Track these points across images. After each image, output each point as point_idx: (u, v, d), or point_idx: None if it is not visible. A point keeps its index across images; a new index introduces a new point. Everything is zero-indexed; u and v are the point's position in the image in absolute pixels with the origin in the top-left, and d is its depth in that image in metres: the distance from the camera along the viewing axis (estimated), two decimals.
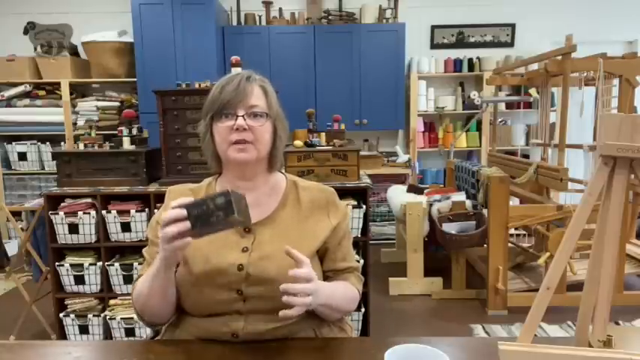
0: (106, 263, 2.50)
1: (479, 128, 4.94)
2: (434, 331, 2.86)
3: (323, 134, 2.64)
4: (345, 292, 1.16)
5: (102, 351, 1.07)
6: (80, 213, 2.44)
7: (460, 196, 3.33)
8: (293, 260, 1.07)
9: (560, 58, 2.96)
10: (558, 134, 2.93)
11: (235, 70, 1.18)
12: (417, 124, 4.87)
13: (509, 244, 3.19)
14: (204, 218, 0.92)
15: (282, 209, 1.15)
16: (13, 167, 4.57)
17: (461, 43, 5.01)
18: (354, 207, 2.38)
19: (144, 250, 1.17)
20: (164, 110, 2.39)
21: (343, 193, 2.35)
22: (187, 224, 0.92)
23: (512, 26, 4.98)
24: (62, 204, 2.48)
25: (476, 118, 4.36)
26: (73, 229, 2.46)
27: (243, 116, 1.06)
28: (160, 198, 2.38)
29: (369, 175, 2.84)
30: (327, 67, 4.65)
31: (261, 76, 1.14)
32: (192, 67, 4.27)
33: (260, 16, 4.81)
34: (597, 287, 0.83)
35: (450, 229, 3.13)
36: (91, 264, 2.51)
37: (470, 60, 4.88)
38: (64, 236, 2.48)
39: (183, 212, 0.92)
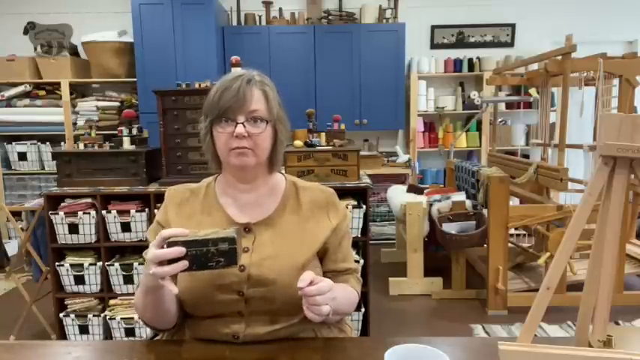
0: (106, 263, 2.50)
1: (479, 128, 4.94)
2: (434, 331, 2.86)
3: (323, 134, 2.64)
4: (347, 295, 1.16)
5: (102, 351, 1.07)
6: (80, 213, 2.44)
7: (460, 196, 3.32)
8: (294, 262, 1.07)
9: (560, 58, 2.96)
10: (558, 134, 2.93)
11: (235, 70, 1.16)
12: (417, 124, 4.87)
13: (509, 244, 3.19)
14: (203, 261, 0.87)
15: (282, 210, 1.14)
16: (13, 167, 4.57)
17: (461, 43, 5.01)
18: (354, 207, 2.38)
19: (145, 253, 1.16)
20: (164, 110, 2.39)
21: (343, 193, 2.35)
22: (185, 264, 0.87)
23: (512, 26, 4.98)
24: (62, 204, 2.48)
25: (476, 118, 4.36)
26: (73, 229, 2.46)
27: (243, 123, 1.05)
28: (160, 198, 2.37)
29: (369, 175, 2.84)
30: (327, 67, 4.65)
31: (261, 77, 1.11)
32: (192, 67, 4.27)
33: (260, 16, 4.81)
34: (597, 287, 0.83)
35: (450, 229, 3.13)
36: (91, 264, 2.51)
37: (470, 60, 4.88)
38: (64, 236, 2.48)
39: (183, 251, 0.86)
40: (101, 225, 2.48)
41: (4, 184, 4.55)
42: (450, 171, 4.04)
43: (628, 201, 3.27)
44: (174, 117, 2.39)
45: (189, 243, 0.87)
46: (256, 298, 1.06)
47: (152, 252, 0.89)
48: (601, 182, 0.80)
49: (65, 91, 4.43)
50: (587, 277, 0.85)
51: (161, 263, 0.89)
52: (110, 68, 4.46)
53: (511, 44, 5.00)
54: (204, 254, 0.87)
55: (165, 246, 0.89)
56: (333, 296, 0.97)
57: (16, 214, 2.97)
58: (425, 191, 3.71)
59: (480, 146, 4.92)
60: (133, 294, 2.49)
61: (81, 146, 2.55)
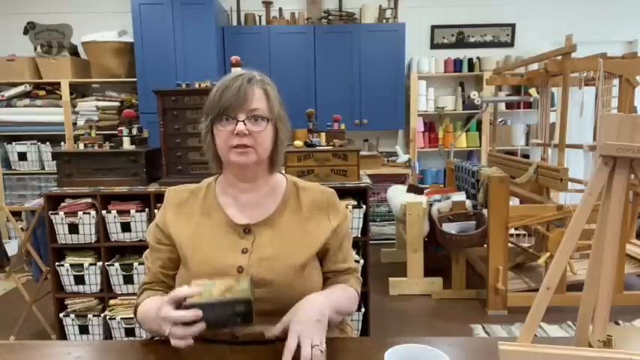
0: (106, 263, 2.50)
1: (479, 128, 4.94)
2: (434, 331, 2.86)
3: (323, 134, 2.64)
4: (347, 295, 1.16)
5: (102, 351, 1.07)
6: (80, 213, 2.44)
7: (460, 196, 3.32)
8: (293, 263, 1.07)
9: (560, 58, 2.96)
10: (558, 134, 2.93)
11: (235, 70, 1.16)
12: (417, 124, 4.87)
13: (509, 244, 3.19)
14: (219, 322, 0.89)
15: (283, 210, 1.14)
16: (13, 167, 4.57)
17: (461, 43, 5.01)
18: (354, 207, 2.38)
19: (145, 256, 1.17)
20: (164, 110, 2.38)
21: (343, 193, 2.35)
22: (202, 327, 0.88)
23: (512, 26, 4.98)
24: (62, 204, 2.48)
25: (476, 118, 4.36)
26: (73, 229, 2.46)
27: (243, 121, 1.05)
28: (160, 198, 2.37)
29: (369, 175, 2.84)
30: (327, 67, 4.65)
31: (262, 76, 1.11)
32: (192, 67, 4.27)
33: (260, 16, 4.81)
34: (597, 287, 0.83)
35: (450, 229, 3.13)
36: (91, 264, 2.51)
37: (470, 60, 4.88)
38: (64, 236, 2.48)
39: (199, 315, 0.88)
40: (101, 225, 2.48)
41: (4, 184, 4.55)
42: (450, 171, 4.04)
43: (628, 201, 3.27)
44: (174, 117, 2.39)
45: (207, 306, 0.88)
46: (255, 299, 1.05)
47: (169, 312, 0.91)
48: (601, 182, 0.80)
49: (65, 91, 4.43)
50: (587, 277, 0.85)
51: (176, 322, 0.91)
52: (110, 68, 4.46)
53: (511, 44, 5.00)
54: (220, 316, 0.89)
55: (183, 304, 0.90)
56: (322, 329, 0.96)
57: (16, 214, 2.97)
58: (425, 191, 3.71)
59: (480, 146, 4.92)
60: (133, 294, 2.49)
61: (81, 146, 2.55)
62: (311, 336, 0.93)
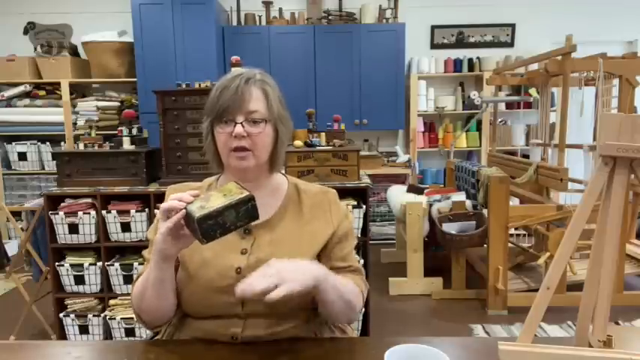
0: (106, 263, 2.50)
1: (479, 128, 4.94)
2: (434, 331, 2.86)
3: (323, 134, 2.64)
4: (350, 285, 1.09)
5: (102, 351, 1.07)
6: (80, 213, 2.44)
7: (460, 196, 3.33)
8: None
9: (560, 58, 2.96)
10: (558, 134, 2.93)
11: (236, 70, 1.16)
12: (417, 124, 4.87)
13: (509, 244, 3.19)
14: (228, 227, 0.90)
15: (284, 212, 1.14)
16: (13, 167, 4.57)
17: (461, 43, 5.01)
18: (354, 207, 2.38)
19: (144, 252, 1.16)
20: (164, 110, 2.39)
21: (343, 193, 2.35)
22: (182, 213, 0.92)
23: (512, 26, 4.98)
24: (62, 204, 2.48)
25: (476, 118, 4.37)
26: (73, 229, 2.46)
27: (242, 123, 1.04)
28: (159, 198, 2.38)
29: (369, 175, 2.83)
30: (327, 67, 4.65)
31: (262, 76, 1.10)
32: (192, 67, 4.27)
33: (260, 16, 4.81)
34: (597, 287, 0.83)
35: (450, 229, 3.13)
36: (91, 264, 2.51)
37: (470, 60, 4.88)
38: (64, 236, 2.48)
39: (181, 204, 0.93)
40: (101, 225, 2.48)
41: (4, 184, 4.55)
42: (450, 171, 4.04)
43: (628, 201, 3.27)
44: (175, 117, 2.39)
45: (214, 214, 0.89)
46: (253, 301, 1.04)
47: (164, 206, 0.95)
48: (601, 182, 0.80)
49: (65, 91, 4.43)
50: (587, 277, 0.85)
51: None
52: (110, 68, 4.46)
53: (511, 44, 5.00)
54: (228, 219, 0.90)
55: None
56: (271, 273, 0.93)
57: (16, 214, 2.97)
58: (425, 191, 3.71)
59: (480, 146, 4.92)
60: None
61: (81, 146, 2.55)
62: (284, 279, 0.90)
